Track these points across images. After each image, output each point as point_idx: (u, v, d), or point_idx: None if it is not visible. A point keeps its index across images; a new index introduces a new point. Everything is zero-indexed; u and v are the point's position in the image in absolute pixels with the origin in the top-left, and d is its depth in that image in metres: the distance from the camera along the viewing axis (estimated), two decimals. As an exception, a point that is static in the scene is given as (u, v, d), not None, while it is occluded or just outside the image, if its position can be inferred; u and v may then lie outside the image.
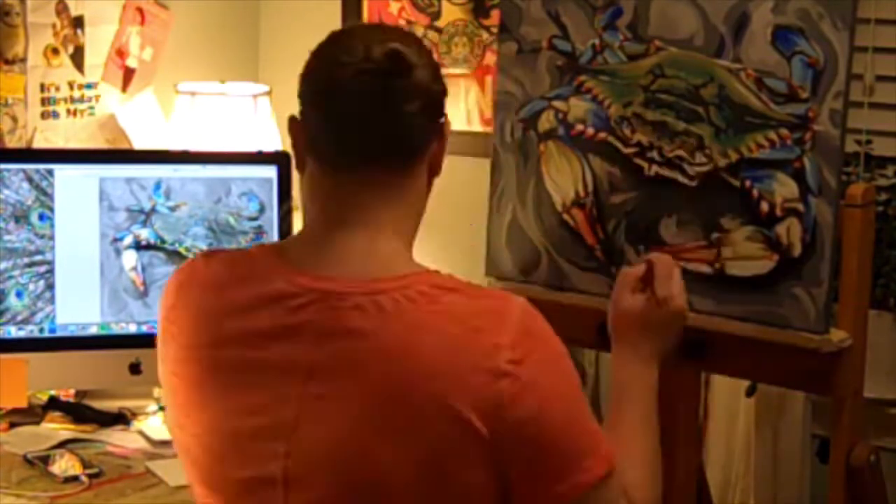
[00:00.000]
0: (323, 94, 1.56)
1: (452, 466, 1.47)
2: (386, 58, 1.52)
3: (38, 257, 2.41)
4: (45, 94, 2.77)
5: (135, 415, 2.53)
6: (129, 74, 2.94)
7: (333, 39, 1.59)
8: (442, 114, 1.61)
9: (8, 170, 2.39)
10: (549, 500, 1.50)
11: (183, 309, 1.61)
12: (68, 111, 2.82)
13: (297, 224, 2.57)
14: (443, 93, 1.60)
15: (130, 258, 2.45)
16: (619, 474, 1.56)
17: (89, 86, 2.87)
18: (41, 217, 2.41)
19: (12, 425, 2.46)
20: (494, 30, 2.79)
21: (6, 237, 2.39)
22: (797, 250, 1.94)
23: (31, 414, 2.50)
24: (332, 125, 1.56)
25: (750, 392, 2.63)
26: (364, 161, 1.56)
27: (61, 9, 2.78)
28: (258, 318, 1.54)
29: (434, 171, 1.62)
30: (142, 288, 2.45)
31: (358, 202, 1.57)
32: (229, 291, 1.57)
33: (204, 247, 2.48)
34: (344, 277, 1.53)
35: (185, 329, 1.60)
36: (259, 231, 2.50)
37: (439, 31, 3.01)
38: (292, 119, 1.61)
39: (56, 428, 2.47)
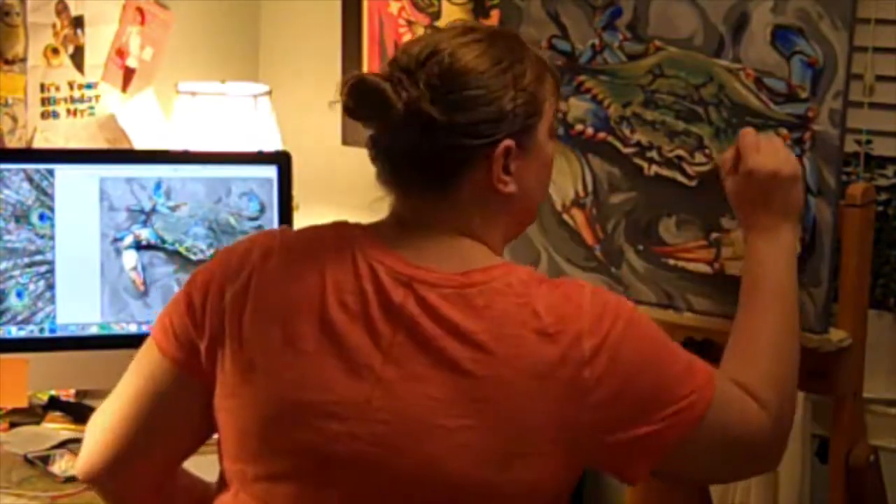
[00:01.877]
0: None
1: (529, 453, 1.51)
2: (357, 97, 1.59)
3: (39, 257, 2.41)
4: (45, 94, 2.77)
5: (135, 415, 2.53)
6: (129, 74, 2.94)
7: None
8: (487, 136, 1.58)
9: (8, 170, 2.39)
10: (654, 454, 1.56)
11: (271, 272, 1.60)
12: (68, 111, 2.82)
13: (297, 224, 2.58)
14: (483, 116, 1.58)
15: (131, 258, 2.45)
16: (731, 386, 1.64)
17: (89, 86, 2.87)
18: (41, 217, 2.41)
19: (12, 425, 2.47)
20: (494, 30, 2.79)
21: (6, 237, 2.39)
22: (797, 250, 1.94)
23: (32, 414, 2.50)
24: (373, 149, 1.66)
25: (750, 392, 2.62)
26: (407, 189, 1.63)
27: (61, 9, 2.78)
28: (342, 292, 1.55)
29: (493, 189, 1.60)
30: (142, 288, 2.46)
31: (419, 211, 1.62)
32: (314, 261, 1.58)
33: (204, 247, 2.48)
34: (432, 268, 1.56)
35: (269, 293, 1.59)
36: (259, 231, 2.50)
37: (439, 31, 3.01)
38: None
39: (56, 428, 2.47)
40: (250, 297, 1.59)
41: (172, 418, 1.66)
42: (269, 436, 1.56)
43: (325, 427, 1.53)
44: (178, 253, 2.47)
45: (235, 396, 1.58)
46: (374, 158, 1.64)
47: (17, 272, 2.40)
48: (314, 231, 1.66)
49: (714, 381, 1.61)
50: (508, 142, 1.58)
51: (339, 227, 1.65)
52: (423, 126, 1.56)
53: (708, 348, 2.00)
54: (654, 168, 2.05)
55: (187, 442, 1.69)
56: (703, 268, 2.01)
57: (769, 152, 1.84)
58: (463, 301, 1.53)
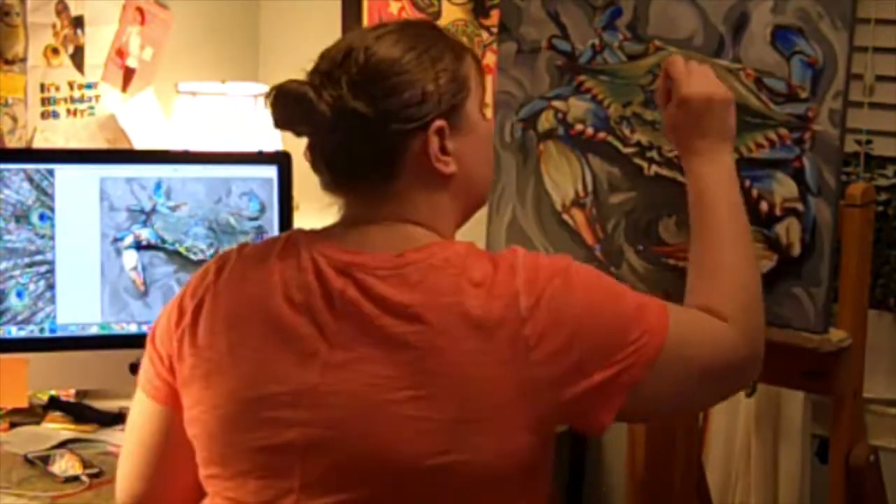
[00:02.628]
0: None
1: (484, 419, 1.52)
2: (281, 106, 1.61)
3: (39, 257, 2.41)
4: (45, 94, 2.77)
5: (135, 415, 2.53)
6: (129, 74, 2.94)
7: None
8: (416, 120, 1.61)
9: (8, 170, 2.39)
10: (617, 397, 1.57)
11: (222, 284, 1.66)
12: (68, 111, 2.83)
13: (297, 224, 2.58)
14: (407, 101, 1.60)
15: (131, 258, 2.45)
16: (692, 312, 1.67)
17: (89, 86, 2.87)
18: (41, 217, 2.41)
19: (13, 425, 2.46)
20: (494, 30, 2.79)
21: (7, 237, 2.39)
22: (796, 250, 1.94)
23: (32, 414, 2.50)
24: (310, 156, 1.69)
25: (750, 392, 2.63)
26: (341, 180, 1.67)
27: (61, 9, 2.78)
28: (288, 288, 1.60)
29: (434, 171, 1.63)
30: (142, 288, 2.46)
31: (363, 207, 1.66)
32: (263, 265, 1.63)
33: (204, 247, 2.48)
34: (368, 253, 1.59)
35: (220, 302, 1.65)
36: (260, 231, 2.50)
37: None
38: None
39: (56, 428, 2.47)
40: (204, 311, 1.65)
41: (182, 446, 1.69)
42: (232, 435, 1.60)
43: (279, 417, 1.56)
44: (178, 253, 2.47)
45: (198, 404, 1.63)
46: (314, 167, 1.67)
47: (17, 272, 2.40)
48: (269, 240, 1.71)
49: (666, 316, 1.61)
50: (440, 122, 1.61)
51: (292, 233, 1.70)
52: (351, 123, 1.59)
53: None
54: (654, 168, 2.05)
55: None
56: (703, 268, 2.01)
57: (700, 78, 1.86)
58: (399, 279, 1.56)
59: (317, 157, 1.66)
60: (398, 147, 1.61)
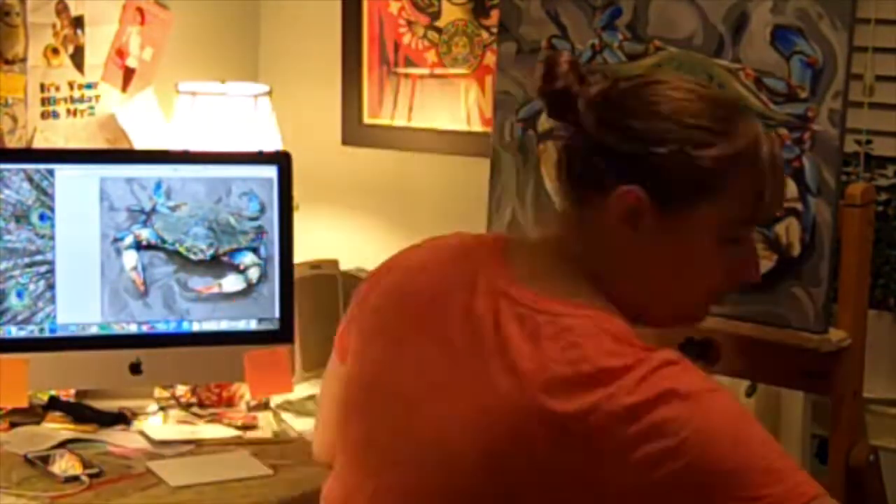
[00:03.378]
0: None
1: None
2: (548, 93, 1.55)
3: (39, 257, 2.41)
4: (45, 94, 2.77)
5: (135, 415, 2.53)
6: (129, 74, 2.94)
7: None
8: (614, 179, 1.48)
9: (8, 170, 2.39)
10: None
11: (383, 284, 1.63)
12: (68, 111, 2.82)
13: (298, 224, 2.58)
14: (619, 157, 1.48)
15: (131, 258, 2.45)
16: None
17: (89, 86, 2.87)
18: (42, 217, 2.41)
19: (13, 425, 2.46)
20: (494, 30, 2.79)
21: (7, 237, 2.39)
22: (796, 250, 1.94)
23: (32, 414, 2.50)
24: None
25: (750, 392, 2.62)
26: (563, 191, 1.56)
27: (61, 9, 2.78)
28: (454, 300, 1.52)
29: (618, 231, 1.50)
30: (142, 288, 2.46)
31: (559, 227, 1.56)
32: (432, 275, 1.58)
33: (204, 247, 2.48)
34: (525, 288, 1.49)
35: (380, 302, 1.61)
36: (260, 231, 2.50)
37: (439, 31, 3.01)
38: None
39: (56, 428, 2.47)
40: (364, 312, 1.63)
41: None
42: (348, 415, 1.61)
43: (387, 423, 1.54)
44: (178, 253, 2.47)
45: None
46: (564, 154, 1.55)
47: (17, 272, 2.40)
48: (442, 243, 1.63)
49: None
50: (636, 189, 1.47)
51: (480, 240, 1.61)
52: (596, 120, 1.49)
53: (708, 348, 2.00)
54: (654, 168, 2.05)
55: None
56: (703, 268, 2.01)
57: None
58: (531, 323, 1.45)
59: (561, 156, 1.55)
60: (602, 181, 1.49)
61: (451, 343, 1.51)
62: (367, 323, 1.62)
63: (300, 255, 2.61)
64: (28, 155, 2.60)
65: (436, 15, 3.02)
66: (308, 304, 2.72)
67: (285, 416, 2.55)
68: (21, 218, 2.40)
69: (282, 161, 2.53)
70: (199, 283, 2.48)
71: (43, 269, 2.41)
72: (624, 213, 1.47)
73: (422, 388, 1.52)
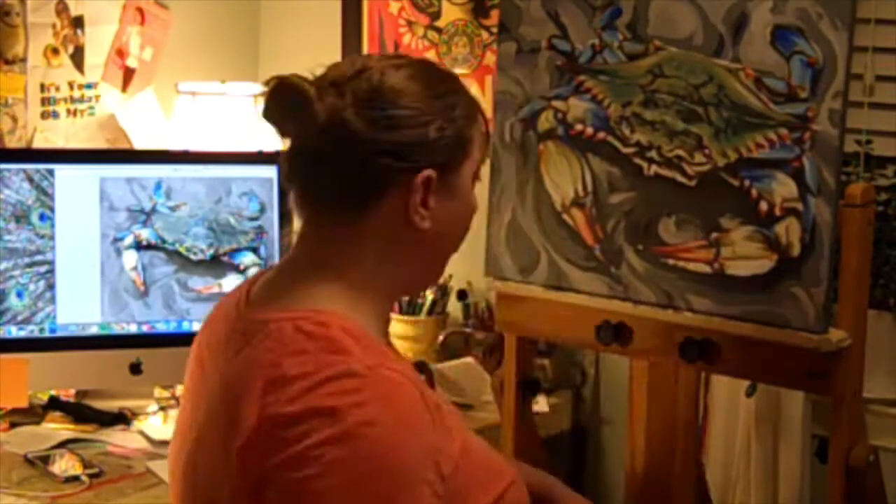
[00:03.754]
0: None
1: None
2: (273, 96, 1.54)
3: (39, 257, 2.41)
4: (45, 94, 2.77)
5: (135, 415, 2.53)
6: (129, 74, 2.94)
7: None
8: (409, 161, 1.48)
9: (8, 170, 2.39)
10: None
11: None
12: (68, 111, 2.83)
13: (297, 224, 2.58)
14: (408, 138, 1.48)
15: (131, 258, 2.45)
16: None
17: (89, 86, 2.87)
18: (42, 217, 2.41)
19: (13, 425, 2.47)
20: (494, 30, 2.79)
21: (7, 237, 2.39)
22: (796, 250, 1.94)
23: (32, 414, 2.50)
24: (284, 170, 1.59)
25: (750, 392, 2.62)
26: (309, 207, 1.54)
27: (61, 9, 2.78)
28: (209, 337, 1.57)
29: (409, 222, 1.49)
30: (142, 288, 2.46)
31: (314, 247, 1.53)
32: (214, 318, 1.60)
33: (204, 247, 2.48)
34: (261, 308, 1.50)
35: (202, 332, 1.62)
36: (259, 231, 2.50)
37: (439, 31, 3.01)
38: None
39: (56, 428, 2.47)
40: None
41: None
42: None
43: (171, 470, 1.56)
44: (178, 253, 2.47)
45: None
46: (287, 178, 1.56)
47: (17, 272, 2.40)
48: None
49: None
50: (430, 171, 1.48)
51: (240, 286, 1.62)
52: (344, 139, 1.47)
53: (707, 348, 2.00)
54: (654, 168, 2.05)
55: None
56: (703, 267, 2.01)
57: None
58: (241, 338, 1.47)
59: (291, 167, 1.55)
60: (380, 183, 1.48)
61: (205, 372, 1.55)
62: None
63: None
64: (28, 155, 2.61)
65: (436, 15, 3.02)
66: (308, 304, 2.72)
67: (285, 416, 2.55)
68: (21, 218, 2.40)
69: (282, 161, 2.52)
70: (199, 283, 2.48)
71: (43, 269, 2.41)
72: (423, 198, 1.49)
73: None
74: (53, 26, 2.77)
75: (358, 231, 1.50)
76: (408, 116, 1.49)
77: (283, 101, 1.51)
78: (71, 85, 2.83)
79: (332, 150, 1.49)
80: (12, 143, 2.71)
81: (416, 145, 1.49)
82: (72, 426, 2.48)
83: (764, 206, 1.96)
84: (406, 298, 2.89)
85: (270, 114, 1.53)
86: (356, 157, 1.48)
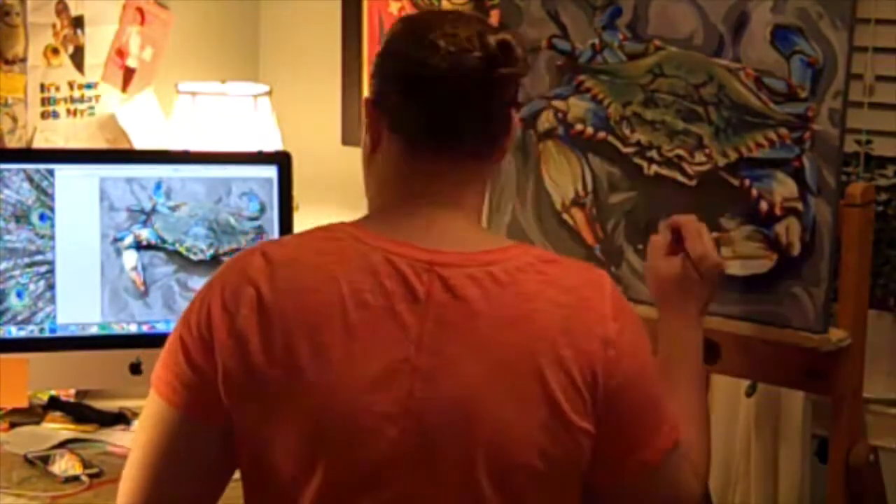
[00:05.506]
0: (417, 74, 1.57)
1: (567, 424, 1.52)
2: (500, 48, 1.56)
3: (39, 257, 2.41)
4: (45, 94, 2.77)
5: (135, 415, 2.53)
6: (129, 74, 2.94)
7: (425, 24, 1.59)
8: (517, 105, 1.64)
9: (8, 170, 2.39)
10: (635, 465, 1.58)
11: (271, 295, 1.55)
12: (68, 111, 2.82)
13: (298, 224, 2.58)
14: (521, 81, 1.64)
15: (131, 258, 2.45)
16: (686, 441, 1.64)
17: (89, 86, 2.87)
18: (42, 217, 2.41)
19: (13, 425, 2.46)
20: (494, 30, 2.79)
21: (7, 237, 2.39)
22: (796, 249, 1.94)
23: (32, 414, 2.50)
24: (430, 110, 1.57)
25: (750, 392, 2.62)
26: (456, 146, 1.59)
27: (61, 9, 2.78)
28: (363, 293, 1.53)
29: (502, 156, 1.65)
30: (142, 288, 2.46)
31: (446, 182, 1.60)
32: (320, 271, 1.55)
33: (204, 247, 2.48)
34: (450, 251, 1.56)
35: (277, 315, 1.54)
36: (260, 231, 2.50)
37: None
38: (368, 101, 1.63)
39: (56, 428, 2.47)
40: (267, 318, 1.55)
41: (191, 467, 1.63)
42: (317, 451, 1.53)
43: (371, 428, 1.51)
44: (178, 253, 2.47)
45: (268, 422, 1.55)
46: (419, 122, 1.58)
47: (17, 272, 2.40)
48: (307, 240, 1.61)
49: (680, 427, 1.63)
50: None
51: (338, 231, 1.60)
52: (514, 83, 1.60)
53: (708, 348, 2.00)
54: (654, 168, 2.05)
55: (212, 485, 1.67)
56: (703, 267, 2.01)
57: (710, 243, 1.86)
58: (490, 279, 1.54)
59: (450, 112, 1.57)
60: (502, 122, 1.61)
61: (404, 331, 1.53)
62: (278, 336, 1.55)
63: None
64: (28, 155, 2.60)
65: (436, 15, 3.02)
66: (308, 304, 2.72)
67: (285, 416, 2.55)
68: (21, 218, 2.40)
69: (282, 161, 2.52)
70: (200, 283, 2.47)
71: (43, 269, 2.41)
72: (512, 136, 1.65)
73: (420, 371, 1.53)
74: (53, 26, 2.77)
75: (483, 175, 1.64)
76: (523, 61, 1.60)
77: (506, 54, 1.57)
78: (71, 85, 2.83)
79: (485, 92, 1.57)
80: (12, 143, 2.71)
81: (517, 87, 1.62)
82: (72, 426, 2.47)
83: (764, 205, 1.96)
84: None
85: (482, 64, 1.56)
86: (502, 101, 1.59)
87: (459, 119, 1.57)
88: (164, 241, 2.46)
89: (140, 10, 2.94)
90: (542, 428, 1.51)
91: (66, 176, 2.42)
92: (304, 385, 1.53)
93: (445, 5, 3.00)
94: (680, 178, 2.02)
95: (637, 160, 2.06)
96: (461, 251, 1.56)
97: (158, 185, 2.46)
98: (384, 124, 1.61)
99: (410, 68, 1.57)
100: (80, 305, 2.43)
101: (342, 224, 1.62)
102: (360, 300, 1.53)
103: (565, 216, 2.14)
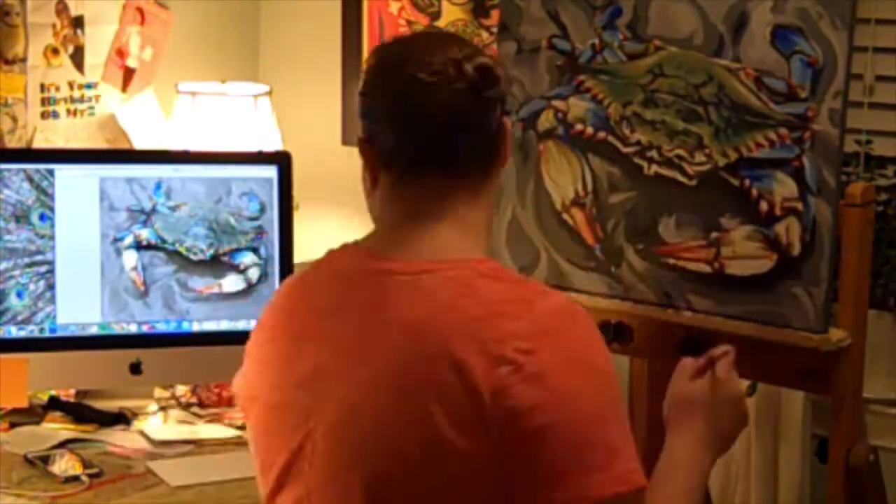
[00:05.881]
0: (405, 112, 1.58)
1: (442, 440, 1.46)
2: (479, 74, 1.57)
3: (39, 257, 2.41)
4: (45, 94, 2.77)
5: (135, 415, 2.53)
6: (129, 74, 2.94)
7: (398, 56, 1.62)
8: (508, 113, 1.63)
9: (8, 170, 2.39)
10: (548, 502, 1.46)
11: (266, 317, 1.71)
12: (68, 111, 2.82)
13: (298, 224, 2.58)
14: (507, 93, 1.63)
15: (131, 258, 2.45)
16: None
17: (89, 86, 2.87)
18: (42, 217, 2.41)
19: (13, 425, 2.46)
20: (494, 30, 2.78)
21: (7, 237, 2.39)
22: (796, 249, 1.94)
23: (32, 414, 2.50)
24: (415, 139, 1.58)
25: (750, 392, 2.62)
26: (448, 170, 1.59)
27: (61, 9, 2.78)
28: (320, 297, 1.62)
29: (503, 164, 1.64)
30: (142, 288, 2.45)
31: (437, 201, 1.60)
32: (314, 282, 1.67)
33: (204, 247, 2.48)
34: (402, 260, 1.57)
35: (275, 316, 1.69)
36: (259, 231, 2.50)
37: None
38: (361, 141, 1.63)
39: (56, 428, 2.47)
40: (255, 339, 1.72)
41: None
42: (269, 441, 1.63)
43: (295, 424, 1.58)
44: (178, 253, 2.47)
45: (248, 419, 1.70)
46: (406, 148, 1.59)
47: (17, 272, 2.40)
48: (314, 267, 1.70)
49: (632, 488, 1.48)
50: (512, 119, 1.66)
51: (331, 256, 1.69)
52: (486, 105, 1.58)
53: (707, 347, 2.00)
54: (654, 167, 2.05)
55: None
56: (703, 267, 2.01)
57: (738, 379, 1.80)
58: (410, 286, 1.54)
59: (439, 136, 1.58)
60: (497, 136, 1.60)
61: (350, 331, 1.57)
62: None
63: (300, 255, 2.61)
64: (28, 155, 2.60)
65: (436, 15, 3.02)
66: (308, 304, 2.72)
67: (285, 416, 2.55)
68: (21, 218, 2.40)
69: (282, 161, 2.52)
70: (199, 283, 2.48)
71: (43, 269, 2.41)
72: (510, 142, 1.64)
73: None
74: (53, 26, 2.77)
75: (482, 183, 1.62)
76: (505, 77, 1.61)
77: (485, 80, 1.58)
78: (71, 85, 2.83)
79: (476, 115, 1.58)
80: (12, 143, 2.71)
81: (508, 97, 1.63)
82: (72, 426, 2.47)
83: (764, 205, 1.96)
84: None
85: (469, 91, 1.58)
86: (494, 119, 1.58)
87: (450, 145, 1.58)
88: (164, 241, 2.46)
89: (140, 10, 2.94)
90: (417, 439, 1.47)
91: (66, 176, 2.42)
92: (256, 380, 1.69)
93: (446, 6, 3.00)
94: (680, 178, 2.02)
95: (637, 160, 2.06)
96: (412, 260, 1.57)
97: (158, 185, 2.46)
98: (379, 161, 1.62)
99: (396, 108, 1.58)
100: (80, 305, 2.43)
101: (347, 244, 1.69)
102: (318, 304, 1.61)
103: (565, 216, 2.14)
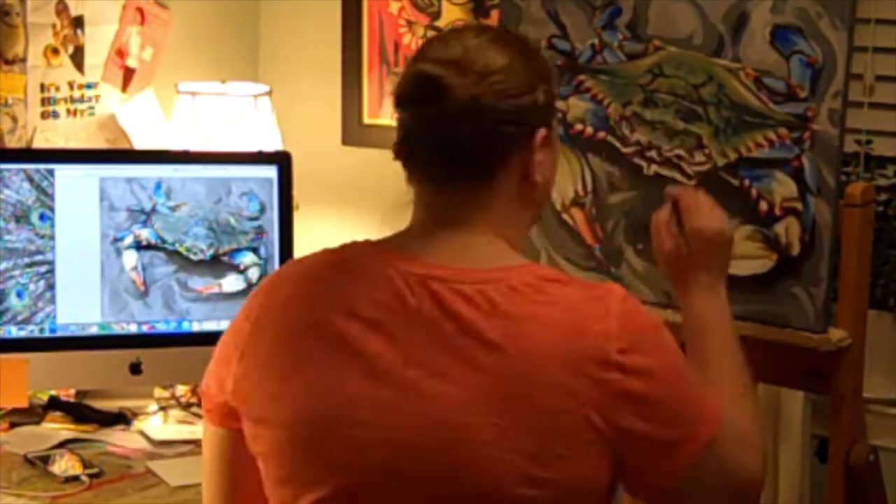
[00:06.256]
0: (399, 120, 1.63)
1: (564, 452, 1.49)
2: (414, 85, 1.59)
3: (39, 257, 2.41)
4: (45, 94, 2.77)
5: (135, 415, 2.53)
6: (129, 74, 2.94)
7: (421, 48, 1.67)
8: (528, 125, 1.61)
9: (8, 170, 2.39)
10: (669, 471, 1.53)
11: (279, 303, 1.64)
12: (68, 111, 2.82)
13: (298, 224, 2.58)
14: (525, 105, 1.60)
15: (131, 258, 2.45)
16: (729, 423, 1.58)
17: (89, 86, 2.87)
18: (42, 217, 2.41)
19: (13, 425, 2.46)
20: (494, 30, 2.79)
21: (7, 237, 2.39)
22: (796, 249, 1.94)
23: (32, 414, 2.50)
24: (408, 147, 1.62)
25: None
26: (441, 176, 1.61)
27: (61, 9, 2.78)
28: (357, 304, 1.56)
29: (528, 178, 1.62)
30: (142, 288, 2.46)
31: (451, 207, 1.61)
32: (323, 282, 1.61)
33: (204, 247, 2.48)
34: (450, 266, 1.56)
35: (279, 321, 1.62)
36: (259, 231, 2.50)
37: (439, 31, 3.01)
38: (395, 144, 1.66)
39: (56, 428, 2.47)
40: (262, 330, 1.63)
41: (250, 477, 1.66)
42: (306, 454, 1.56)
43: (355, 437, 1.53)
44: (178, 253, 2.47)
45: (261, 423, 1.60)
46: (409, 156, 1.63)
47: (17, 272, 2.40)
48: (323, 255, 1.67)
49: (721, 415, 1.58)
50: (543, 131, 1.61)
51: (349, 247, 1.66)
52: (472, 114, 1.57)
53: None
54: (654, 167, 2.05)
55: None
56: (703, 267, 2.01)
57: (708, 212, 1.84)
58: (481, 297, 1.52)
59: (417, 146, 1.61)
60: (504, 149, 1.60)
61: (395, 346, 1.53)
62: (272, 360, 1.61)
63: (300, 255, 2.61)
64: (28, 155, 2.60)
65: (436, 15, 3.02)
66: (308, 304, 2.71)
67: (285, 416, 2.55)
68: (21, 218, 2.40)
69: (282, 161, 2.53)
70: (199, 283, 2.48)
71: (43, 269, 2.41)
72: (542, 144, 1.62)
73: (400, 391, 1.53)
74: (53, 26, 2.77)
75: (489, 197, 1.61)
76: (521, 84, 1.60)
77: (420, 87, 1.59)
78: (71, 85, 2.83)
79: (461, 127, 1.57)
80: (12, 143, 2.71)
81: (530, 110, 1.60)
82: (72, 426, 2.47)
83: (764, 205, 1.96)
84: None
85: (411, 101, 1.60)
86: (484, 129, 1.58)
87: (428, 156, 1.60)
88: (164, 241, 2.47)
89: (140, 10, 2.94)
90: (527, 455, 1.48)
91: (66, 176, 2.43)
92: (291, 392, 1.57)
93: (446, 6, 3.00)
94: (680, 178, 2.02)
95: (637, 160, 2.06)
96: (462, 268, 1.56)
97: (158, 185, 2.46)
98: (406, 174, 1.65)
99: (401, 131, 1.62)
100: (80, 305, 2.43)
101: (359, 242, 1.66)
102: (351, 311, 1.55)
103: (565, 216, 2.14)
